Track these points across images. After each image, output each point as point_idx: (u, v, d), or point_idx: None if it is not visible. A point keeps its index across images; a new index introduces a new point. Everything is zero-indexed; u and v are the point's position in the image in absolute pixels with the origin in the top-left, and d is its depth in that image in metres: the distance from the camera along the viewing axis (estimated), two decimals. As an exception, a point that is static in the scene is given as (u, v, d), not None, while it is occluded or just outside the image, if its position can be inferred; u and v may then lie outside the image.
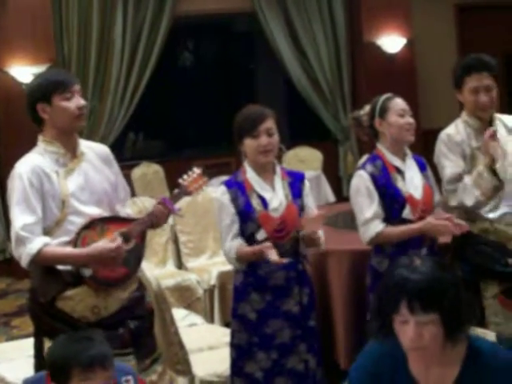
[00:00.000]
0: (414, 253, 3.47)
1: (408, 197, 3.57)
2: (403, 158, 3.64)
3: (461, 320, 2.15)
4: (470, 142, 3.73)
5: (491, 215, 3.74)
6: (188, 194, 3.35)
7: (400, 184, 3.60)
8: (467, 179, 3.68)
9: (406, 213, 3.58)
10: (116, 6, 7.85)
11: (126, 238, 3.10)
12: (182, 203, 3.87)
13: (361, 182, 3.61)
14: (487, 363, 2.15)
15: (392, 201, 3.59)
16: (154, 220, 3.18)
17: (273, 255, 3.21)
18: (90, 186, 3.14)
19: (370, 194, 3.58)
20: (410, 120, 3.59)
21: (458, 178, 3.68)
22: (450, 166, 3.71)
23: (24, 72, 7.27)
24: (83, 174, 3.14)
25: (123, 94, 8.15)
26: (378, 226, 3.57)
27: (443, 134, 3.79)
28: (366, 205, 3.59)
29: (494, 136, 3.57)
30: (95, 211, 3.13)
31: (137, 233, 3.17)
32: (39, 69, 6.83)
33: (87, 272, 3.05)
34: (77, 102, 3.05)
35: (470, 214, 3.76)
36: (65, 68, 7.74)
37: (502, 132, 3.74)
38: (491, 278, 3.61)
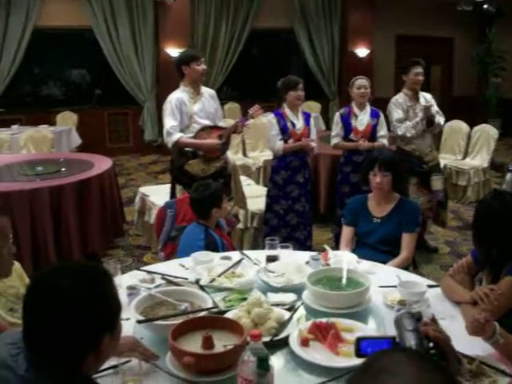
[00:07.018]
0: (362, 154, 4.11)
1: (354, 128, 4.39)
2: (362, 109, 4.44)
3: (400, 180, 2.93)
4: (406, 102, 4.44)
5: (417, 142, 4.54)
6: (252, 117, 4.05)
7: (353, 121, 4.42)
8: (408, 123, 4.35)
9: (352, 136, 4.46)
10: (222, 20, 10.48)
11: (220, 137, 3.77)
12: (250, 123, 4.66)
13: (335, 117, 4.63)
14: (406, 203, 3.03)
15: (346, 128, 4.50)
16: (235, 128, 3.98)
17: (308, 144, 4.18)
18: (204, 109, 3.92)
19: (337, 124, 4.54)
20: (362, 91, 4.35)
21: (402, 120, 4.45)
22: (396, 114, 4.47)
23: (173, 51, 9.65)
24: (202, 103, 3.94)
25: (222, 66, 10.63)
26: (337, 140, 4.56)
27: (393, 99, 4.49)
28: (334, 128, 4.56)
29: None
30: (206, 122, 3.88)
31: (226, 134, 3.84)
32: (181, 49, 8.82)
33: (200, 152, 3.65)
34: (202, 67, 3.86)
35: (406, 139, 4.52)
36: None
37: (421, 101, 4.49)
38: (413, 174, 4.38)
